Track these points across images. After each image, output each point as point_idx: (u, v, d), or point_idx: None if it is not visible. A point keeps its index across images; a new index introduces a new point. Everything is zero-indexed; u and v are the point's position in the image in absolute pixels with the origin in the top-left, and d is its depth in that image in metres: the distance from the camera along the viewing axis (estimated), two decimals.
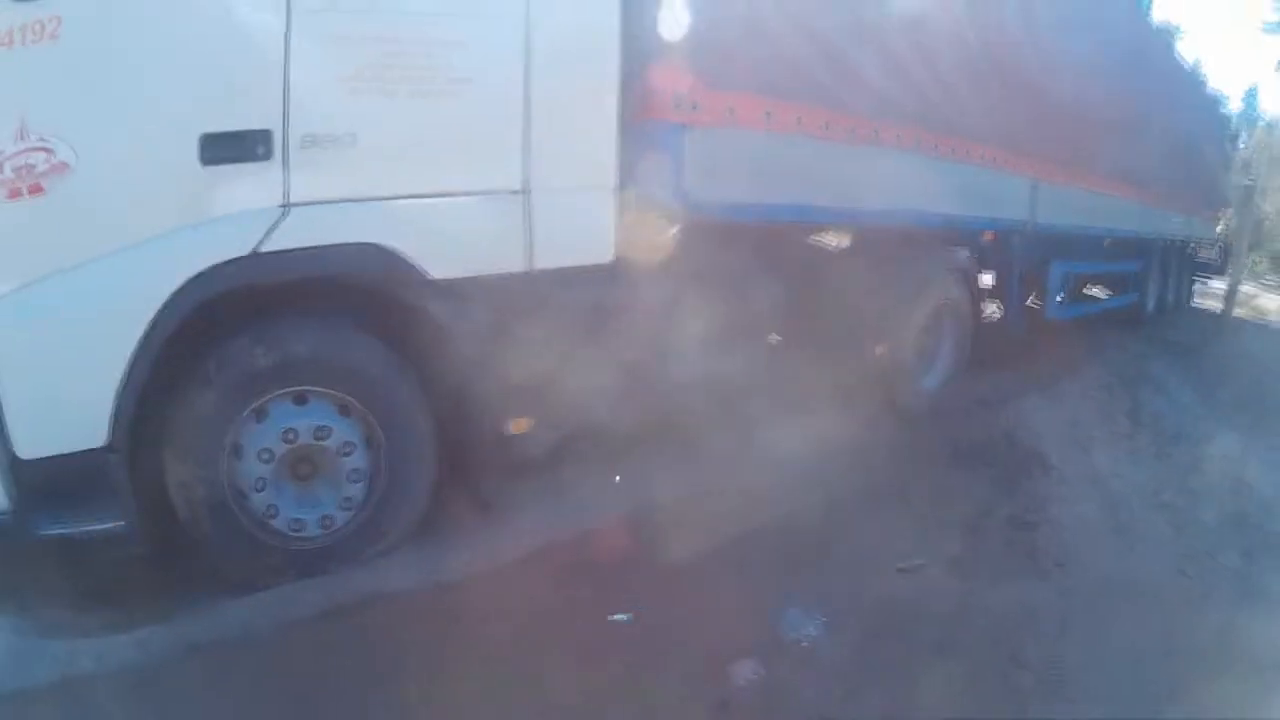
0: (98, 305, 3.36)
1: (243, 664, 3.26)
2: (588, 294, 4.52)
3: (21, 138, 3.21)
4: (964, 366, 7.51)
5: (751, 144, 5.18)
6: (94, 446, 3.41)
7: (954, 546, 4.80)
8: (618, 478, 4.89)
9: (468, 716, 3.19)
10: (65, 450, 3.40)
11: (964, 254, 7.65)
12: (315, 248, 3.70)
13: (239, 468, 3.73)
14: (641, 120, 4.65)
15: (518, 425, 4.38)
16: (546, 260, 4.34)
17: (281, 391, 3.76)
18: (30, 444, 3.38)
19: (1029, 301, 9.87)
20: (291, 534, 3.89)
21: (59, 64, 3.22)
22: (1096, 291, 11.48)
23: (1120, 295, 11.42)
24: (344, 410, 3.90)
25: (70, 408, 3.41)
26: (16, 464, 3.38)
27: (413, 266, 3.93)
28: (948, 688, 3.60)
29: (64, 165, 3.23)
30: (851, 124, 5.82)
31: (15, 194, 3.23)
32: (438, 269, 4.00)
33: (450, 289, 4.06)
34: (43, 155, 3.22)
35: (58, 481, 3.41)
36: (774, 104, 5.26)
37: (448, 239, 4.04)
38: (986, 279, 8.16)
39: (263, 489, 3.79)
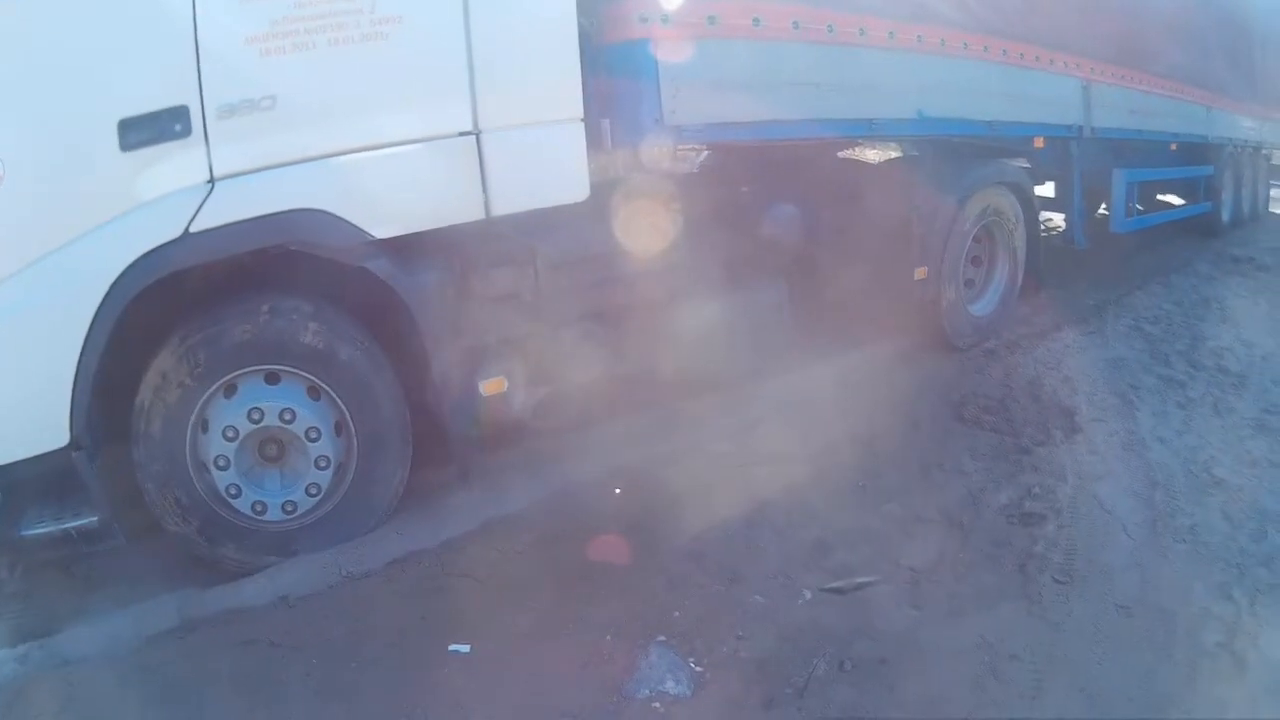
0: (39, 308, 3.34)
1: (101, 680, 3.16)
2: (560, 237, 4.23)
3: None
4: (1018, 289, 6.83)
5: (740, 56, 4.71)
6: (58, 447, 3.40)
7: (919, 552, 3.88)
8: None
9: None
10: (32, 453, 3.41)
11: (1015, 165, 7.04)
12: (245, 220, 3.53)
13: (203, 441, 3.67)
14: (607, 40, 4.30)
15: (491, 386, 4.13)
16: (507, 205, 4.03)
17: (251, 369, 3.69)
18: (0, 449, 3.40)
19: (1097, 213, 9.25)
20: (253, 515, 3.79)
21: None
22: (1170, 198, 10.69)
23: (1193, 204, 10.61)
24: (314, 394, 3.80)
25: (29, 412, 3.41)
26: None
27: (352, 227, 3.71)
28: None
29: None
30: (860, 24, 5.27)
31: None
32: (380, 227, 3.78)
33: (397, 247, 3.85)
34: None
35: (34, 483, 3.48)
36: (764, 7, 4.75)
37: (387, 194, 3.79)
38: (1044, 191, 7.52)
39: (225, 467, 3.70)
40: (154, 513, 3.64)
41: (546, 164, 4.14)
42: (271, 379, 3.72)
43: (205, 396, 3.61)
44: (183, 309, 3.62)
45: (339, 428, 3.83)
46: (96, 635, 3.40)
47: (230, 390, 3.67)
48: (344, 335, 3.77)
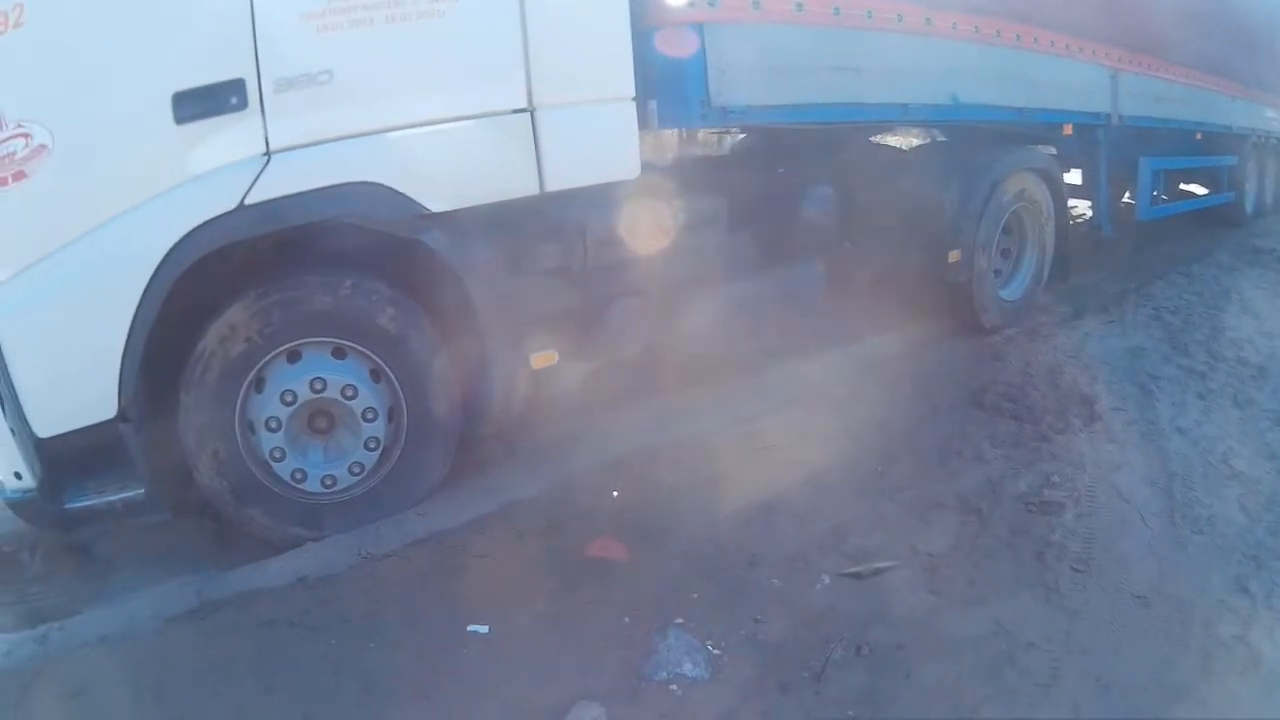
0: (90, 280, 3.36)
1: (120, 661, 3.18)
2: (611, 213, 4.28)
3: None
4: (1046, 275, 6.87)
5: (782, 40, 4.76)
6: (106, 419, 3.44)
7: (937, 538, 3.85)
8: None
9: None
10: (79, 425, 3.45)
11: (1044, 152, 7.09)
12: (302, 193, 3.56)
13: (255, 401, 3.69)
14: (655, 23, 4.34)
15: (541, 359, 4.18)
16: (560, 181, 4.10)
17: (320, 340, 3.73)
18: (46, 422, 3.43)
19: (1122, 200, 9.29)
20: (291, 482, 3.82)
21: (27, 49, 3.20)
22: (1193, 187, 10.74)
23: (1217, 193, 10.67)
24: (375, 376, 3.85)
25: (77, 383, 3.43)
26: (38, 443, 3.44)
27: (408, 200, 3.75)
28: None
29: (43, 148, 3.22)
30: (898, 10, 5.31)
31: (1, 183, 3.23)
32: (436, 201, 3.82)
33: (452, 221, 3.88)
34: (21, 141, 3.21)
35: (79, 455, 3.50)
36: None
37: (443, 168, 3.84)
38: (1072, 178, 7.56)
39: (276, 429, 3.73)
40: (188, 462, 3.63)
41: (599, 141, 4.21)
42: (337, 354, 3.75)
43: (269, 357, 3.63)
44: (224, 287, 3.61)
45: (392, 413, 3.87)
46: (116, 617, 3.41)
47: (294, 356, 3.69)
48: (416, 324, 3.82)
